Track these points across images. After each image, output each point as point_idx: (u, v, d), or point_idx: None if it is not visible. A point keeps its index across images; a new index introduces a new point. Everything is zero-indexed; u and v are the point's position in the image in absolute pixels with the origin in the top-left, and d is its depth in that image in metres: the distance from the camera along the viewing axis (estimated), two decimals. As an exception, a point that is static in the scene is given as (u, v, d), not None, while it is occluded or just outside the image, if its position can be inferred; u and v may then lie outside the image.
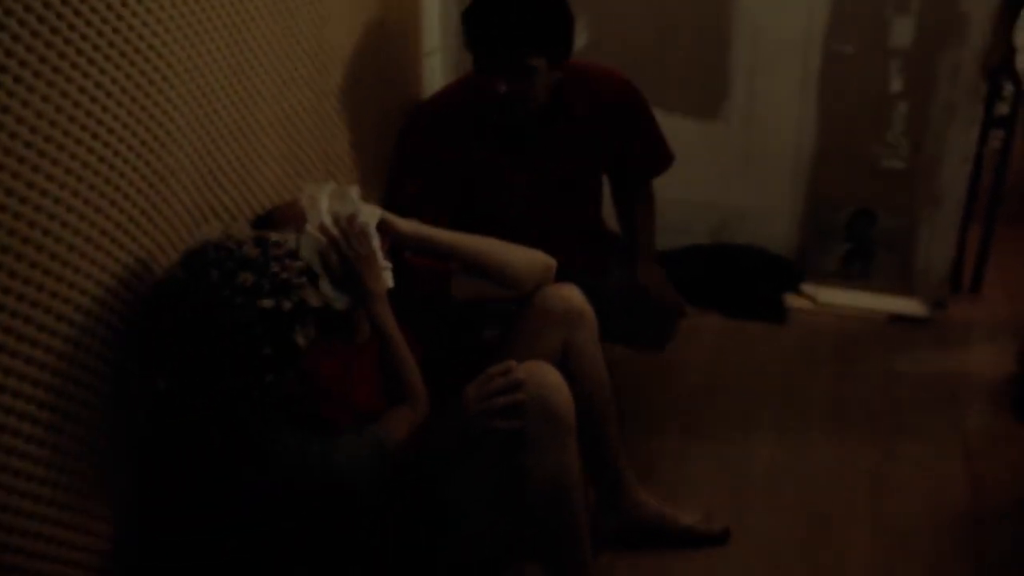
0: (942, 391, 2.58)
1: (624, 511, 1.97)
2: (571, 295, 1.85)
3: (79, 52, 1.16)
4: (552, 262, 1.86)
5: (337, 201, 1.56)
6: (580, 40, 2.55)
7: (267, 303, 1.31)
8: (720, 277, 3.11)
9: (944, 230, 2.96)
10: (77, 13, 1.15)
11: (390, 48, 2.15)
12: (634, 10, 2.98)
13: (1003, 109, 3.01)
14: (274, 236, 1.43)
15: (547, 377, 1.58)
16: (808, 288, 3.11)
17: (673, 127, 2.96)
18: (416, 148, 2.18)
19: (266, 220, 1.61)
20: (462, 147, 2.09)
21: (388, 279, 1.60)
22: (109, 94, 1.23)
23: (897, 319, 2.97)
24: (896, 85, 2.86)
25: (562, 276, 1.88)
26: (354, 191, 1.59)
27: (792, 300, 3.08)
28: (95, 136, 1.21)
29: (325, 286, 1.52)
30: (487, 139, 2.10)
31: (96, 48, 1.19)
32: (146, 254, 1.37)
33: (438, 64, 2.59)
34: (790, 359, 2.76)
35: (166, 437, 1.43)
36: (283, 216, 1.58)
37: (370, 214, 1.59)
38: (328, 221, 1.53)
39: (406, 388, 1.57)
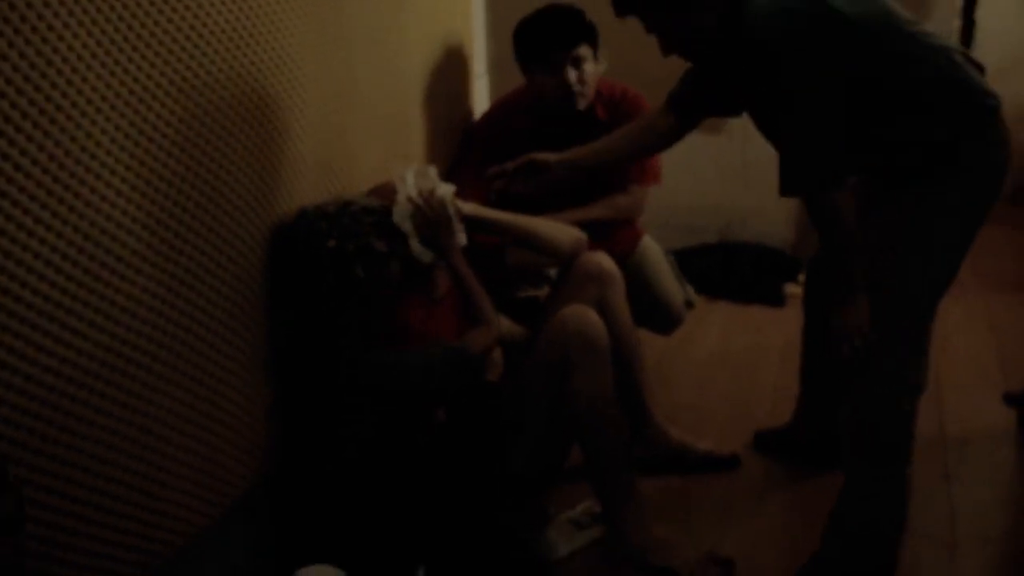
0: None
1: (650, 440, 2.39)
2: (604, 260, 2.29)
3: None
4: (583, 236, 2.30)
5: (420, 179, 2.01)
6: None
7: (331, 243, 1.78)
8: (727, 270, 3.56)
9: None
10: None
11: (451, 71, 2.63)
12: (643, 43, 3.44)
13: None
14: (359, 201, 1.89)
15: (588, 315, 2.02)
16: (803, 277, 3.54)
17: (684, 142, 3.43)
18: (480, 138, 2.65)
19: (369, 194, 2.08)
20: (518, 141, 2.47)
21: (462, 238, 2.04)
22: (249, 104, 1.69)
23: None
24: (872, 98, 3.33)
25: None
26: (432, 170, 2.04)
27: (790, 288, 3.51)
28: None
29: (414, 244, 1.97)
30: (538, 136, 2.50)
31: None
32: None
33: (484, 85, 3.09)
34: (788, 336, 3.17)
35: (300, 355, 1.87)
36: (380, 191, 2.04)
37: (446, 188, 2.05)
38: (414, 193, 1.99)
39: (481, 313, 2.01)
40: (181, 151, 1.49)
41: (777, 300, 3.45)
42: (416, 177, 2.00)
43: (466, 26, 2.63)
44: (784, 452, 2.46)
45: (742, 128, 3.51)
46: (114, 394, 1.38)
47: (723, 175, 3.61)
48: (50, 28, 1.23)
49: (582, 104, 2.53)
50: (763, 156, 3.52)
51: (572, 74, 2.47)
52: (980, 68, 1.85)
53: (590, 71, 2.50)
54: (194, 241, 1.54)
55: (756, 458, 2.46)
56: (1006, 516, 2.24)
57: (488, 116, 2.75)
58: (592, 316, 2.02)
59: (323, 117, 1.91)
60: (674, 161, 3.55)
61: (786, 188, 1.86)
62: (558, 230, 2.27)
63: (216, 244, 1.59)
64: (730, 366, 3.00)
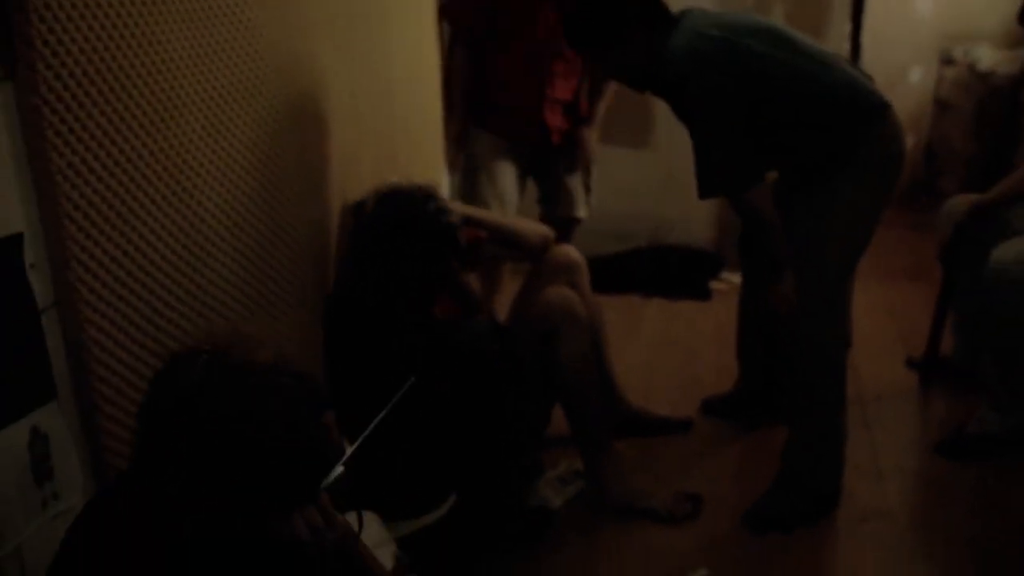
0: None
1: (615, 407, 2.72)
2: (571, 252, 2.62)
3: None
4: (550, 233, 2.63)
5: None
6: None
7: (442, 219, 2.08)
8: (659, 270, 3.94)
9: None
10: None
11: (424, 86, 2.93)
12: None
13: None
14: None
15: (569, 294, 2.34)
16: (726, 274, 3.96)
17: (615, 156, 3.84)
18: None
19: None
20: None
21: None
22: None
23: (795, 291, 3.83)
24: (778, 113, 3.77)
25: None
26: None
27: (715, 284, 3.92)
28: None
29: None
30: None
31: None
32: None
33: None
34: (718, 323, 3.57)
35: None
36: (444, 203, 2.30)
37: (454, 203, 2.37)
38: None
39: (469, 297, 2.33)
40: (249, 147, 1.75)
41: (704, 294, 3.84)
42: None
43: (431, 48, 2.94)
44: (730, 414, 2.82)
45: (667, 142, 3.94)
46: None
47: (651, 185, 4.00)
48: (158, 41, 1.49)
49: None
50: (687, 167, 3.95)
51: None
52: (869, 78, 2.26)
53: None
54: (257, 225, 1.80)
55: (706, 421, 2.82)
56: (918, 450, 2.66)
57: None
58: (572, 295, 2.35)
59: (341, 123, 2.19)
60: (605, 173, 3.94)
61: (702, 193, 2.23)
62: (530, 227, 2.59)
63: (274, 228, 1.85)
64: (671, 352, 3.36)
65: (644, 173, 3.99)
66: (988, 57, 4.51)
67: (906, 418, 2.85)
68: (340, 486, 1.14)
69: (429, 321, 2.17)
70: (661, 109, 3.87)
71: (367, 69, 2.37)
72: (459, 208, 2.40)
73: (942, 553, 2.18)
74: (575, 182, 3.22)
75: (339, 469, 1.12)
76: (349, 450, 1.15)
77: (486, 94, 3.03)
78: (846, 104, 2.14)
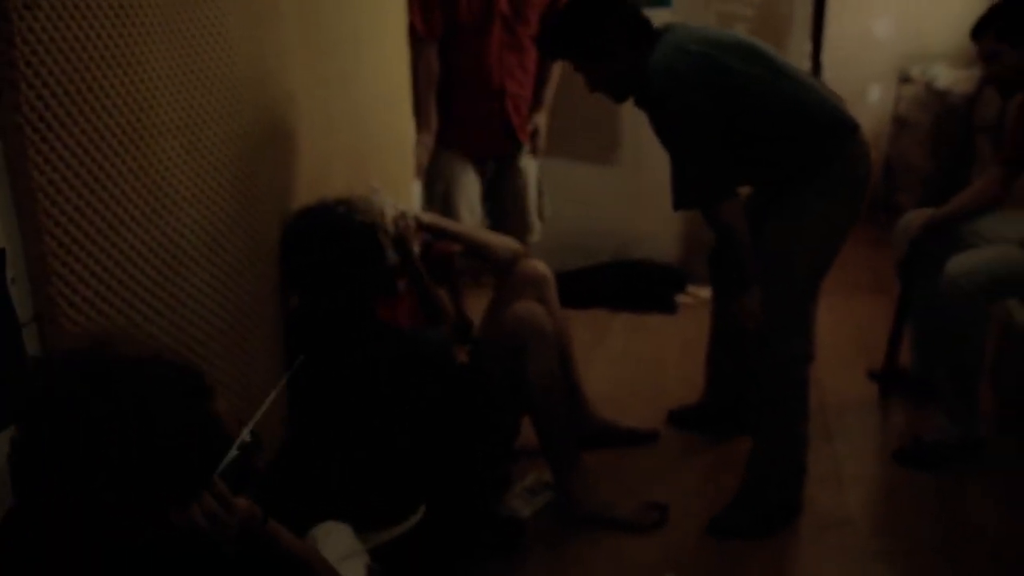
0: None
1: (584, 419, 2.76)
2: (539, 265, 2.66)
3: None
4: (519, 247, 2.68)
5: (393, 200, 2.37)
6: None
7: (360, 218, 2.11)
8: (625, 284, 4.00)
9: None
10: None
11: (393, 102, 2.96)
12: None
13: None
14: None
15: (536, 308, 2.39)
16: (691, 288, 4.02)
17: (580, 172, 3.91)
18: None
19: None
20: None
21: (417, 247, 2.40)
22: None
23: (759, 305, 3.90)
24: (741, 130, 3.86)
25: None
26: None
27: (681, 298, 3.98)
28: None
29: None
30: None
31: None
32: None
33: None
34: (684, 337, 3.64)
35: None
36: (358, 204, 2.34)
37: (409, 209, 2.41)
38: (394, 212, 2.33)
39: (437, 308, 2.36)
40: (226, 164, 1.78)
41: (670, 308, 3.91)
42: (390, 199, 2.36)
43: (402, 67, 2.98)
44: (696, 426, 2.88)
45: (633, 158, 4.02)
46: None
47: (617, 201, 4.07)
48: (137, 62, 1.52)
49: None
50: (652, 183, 4.04)
51: None
52: (840, 99, 2.34)
53: None
54: (233, 240, 1.82)
55: (673, 433, 2.87)
56: (878, 460, 2.72)
57: None
58: (540, 310, 2.40)
59: (312, 143, 2.22)
60: (571, 190, 4.02)
61: (677, 204, 2.30)
62: (500, 240, 2.64)
63: (249, 242, 1.88)
64: (637, 365, 3.42)
65: (610, 189, 4.06)
66: (944, 76, 4.63)
67: (866, 429, 2.92)
68: (241, 471, 1.15)
69: (382, 329, 2.20)
70: (627, 125, 3.95)
71: (340, 88, 2.41)
72: (428, 219, 2.46)
73: (903, 559, 2.25)
74: (529, 207, 3.32)
75: (233, 453, 1.13)
76: (243, 433, 1.16)
77: (449, 108, 3.11)
78: (818, 123, 2.22)
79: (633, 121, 3.93)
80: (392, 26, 2.85)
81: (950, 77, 4.64)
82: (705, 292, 3.97)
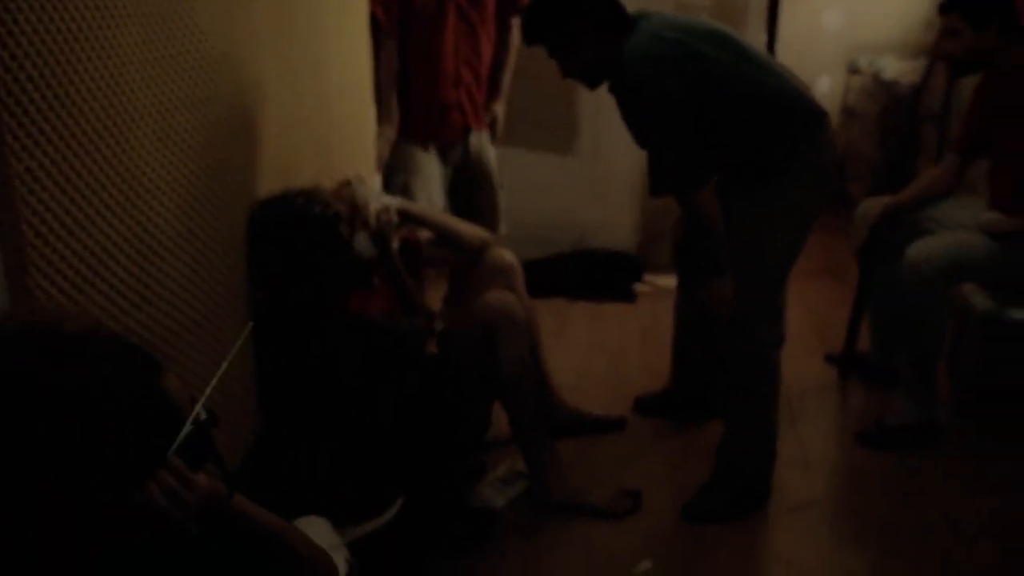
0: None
1: (552, 408, 2.77)
2: (507, 255, 2.66)
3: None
4: (488, 235, 2.67)
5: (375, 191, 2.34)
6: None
7: (319, 209, 2.07)
8: (583, 274, 4.02)
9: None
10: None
11: (356, 94, 2.93)
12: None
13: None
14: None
15: (508, 297, 2.38)
16: (649, 277, 4.06)
17: (538, 162, 3.91)
18: None
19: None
20: None
21: (396, 241, 2.38)
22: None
23: (716, 293, 3.95)
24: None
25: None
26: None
27: (639, 286, 4.01)
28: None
29: (362, 240, 2.27)
30: None
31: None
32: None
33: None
34: (644, 325, 3.67)
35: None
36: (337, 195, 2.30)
37: (390, 200, 2.38)
38: (374, 205, 2.30)
39: (413, 300, 2.34)
40: (200, 153, 1.74)
41: (629, 297, 3.94)
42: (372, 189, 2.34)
43: (364, 57, 2.94)
44: (663, 412, 2.90)
45: (590, 148, 4.03)
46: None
47: (575, 191, 4.08)
48: (111, 47, 1.47)
49: None
50: (610, 173, 4.07)
51: None
52: (807, 88, 2.36)
53: None
54: (206, 229, 1.78)
55: (640, 420, 2.89)
56: (842, 442, 2.78)
57: None
58: (512, 298, 2.39)
59: (281, 132, 2.18)
60: (529, 180, 4.02)
61: (653, 191, 2.30)
62: (469, 228, 2.63)
63: (221, 232, 1.84)
64: (599, 353, 3.43)
65: (568, 179, 4.06)
66: (892, 67, 4.73)
67: (828, 412, 2.97)
68: (199, 448, 1.12)
69: (353, 320, 2.17)
70: (585, 115, 3.96)
71: (308, 77, 2.36)
72: (400, 204, 2.43)
73: (873, 541, 2.29)
74: (499, 199, 3.34)
75: (188, 428, 1.10)
76: (197, 408, 1.13)
77: (407, 98, 3.10)
78: (788, 110, 2.24)
79: (591, 111, 3.96)
80: (356, 15, 2.81)
81: (897, 68, 4.74)
82: (663, 280, 4.02)
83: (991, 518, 2.35)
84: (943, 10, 2.70)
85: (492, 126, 3.33)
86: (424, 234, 2.62)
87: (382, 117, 3.11)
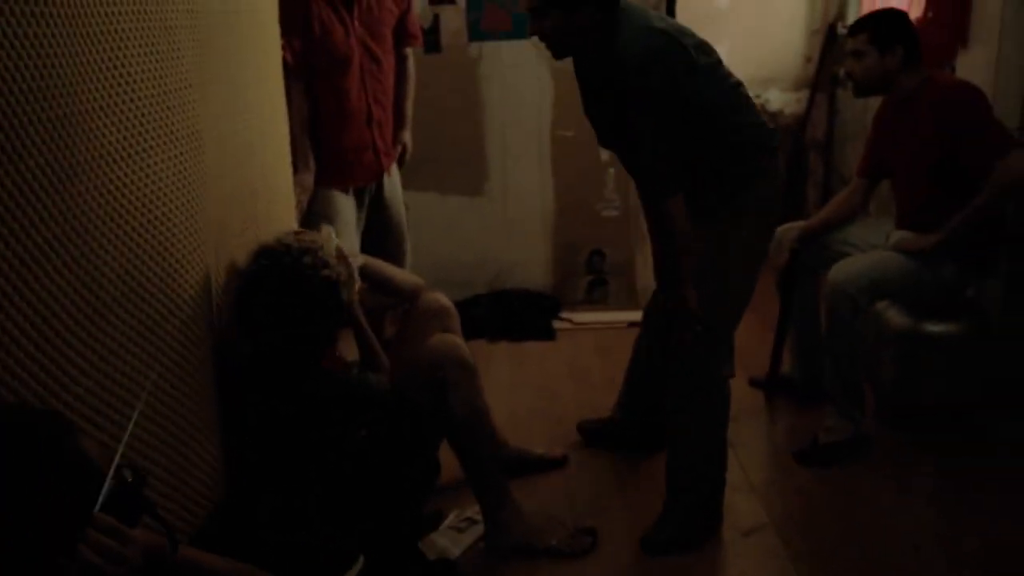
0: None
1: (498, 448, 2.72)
2: (442, 298, 2.63)
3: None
4: (421, 281, 2.63)
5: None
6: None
7: (326, 272, 2.05)
8: (502, 314, 4.00)
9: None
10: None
11: (280, 138, 2.85)
12: (415, 123, 3.76)
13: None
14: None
15: (455, 340, 2.35)
16: (566, 313, 4.07)
17: (450, 205, 3.90)
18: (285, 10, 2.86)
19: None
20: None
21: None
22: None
23: (632, 324, 3.98)
24: (605, 156, 3.95)
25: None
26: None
27: (557, 324, 4.02)
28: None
29: None
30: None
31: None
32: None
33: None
34: (568, 360, 3.67)
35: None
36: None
37: (363, 258, 2.36)
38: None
39: (375, 354, 2.28)
40: (137, 209, 1.65)
41: (549, 334, 3.93)
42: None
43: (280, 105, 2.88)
44: (607, 441, 2.88)
45: (501, 188, 4.04)
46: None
47: (488, 232, 4.07)
48: (52, 96, 1.39)
49: None
50: (521, 213, 4.09)
51: None
52: None
53: None
54: (157, 284, 1.70)
55: (583, 455, 2.87)
56: (781, 463, 2.83)
57: None
58: (460, 341, 2.36)
59: (213, 182, 2.09)
60: (443, 222, 4.00)
61: (650, 196, 2.26)
62: (403, 273, 2.59)
63: (172, 288, 1.75)
64: (528, 391, 3.41)
65: (481, 221, 4.06)
66: (777, 98, 4.92)
67: (761, 434, 3.03)
68: (129, 504, 1.13)
69: (327, 376, 2.11)
70: (494, 155, 3.98)
71: (234, 124, 2.28)
72: (362, 259, 2.40)
73: (827, 553, 2.33)
74: (401, 246, 3.31)
75: (108, 487, 1.09)
76: (114, 464, 1.12)
77: (320, 143, 3.07)
78: (753, 132, 2.26)
79: (499, 152, 3.98)
80: (272, 62, 2.74)
81: (782, 99, 4.95)
82: (580, 316, 4.05)
83: (931, 527, 2.42)
84: (851, 32, 2.83)
85: (402, 156, 3.31)
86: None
87: (298, 164, 3.03)
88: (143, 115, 1.70)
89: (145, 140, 1.70)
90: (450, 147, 3.95)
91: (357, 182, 3.14)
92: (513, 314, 4.00)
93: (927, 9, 3.31)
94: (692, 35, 2.20)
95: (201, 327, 1.90)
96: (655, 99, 2.09)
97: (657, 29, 2.12)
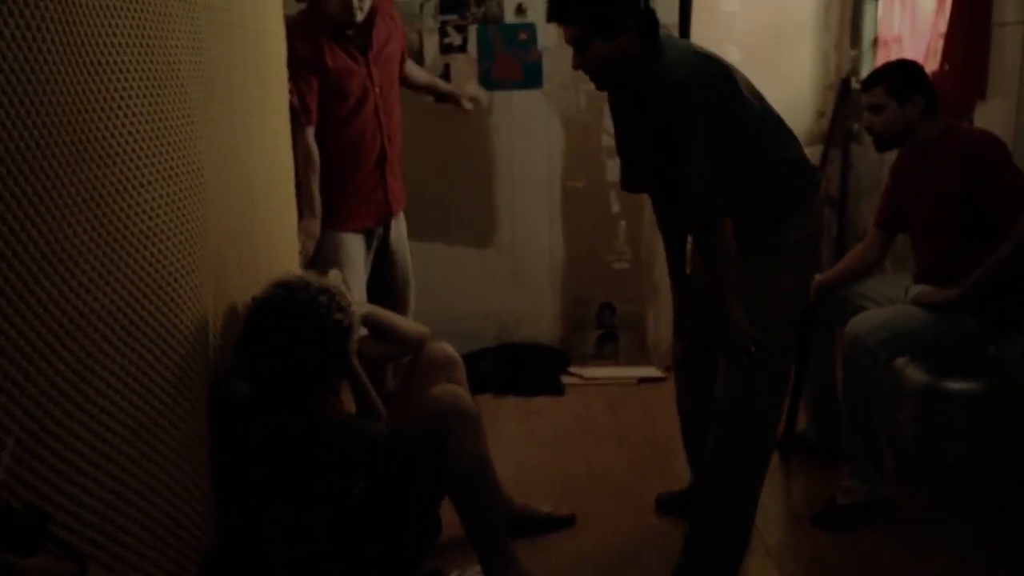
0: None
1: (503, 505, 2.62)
2: (447, 348, 2.55)
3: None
4: (427, 330, 2.56)
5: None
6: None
7: (338, 316, 2.00)
8: (509, 369, 3.91)
9: (665, 311, 3.95)
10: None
11: (285, 183, 2.81)
12: (423, 172, 3.78)
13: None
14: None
15: (459, 391, 2.26)
16: (575, 368, 3.98)
17: (457, 255, 3.84)
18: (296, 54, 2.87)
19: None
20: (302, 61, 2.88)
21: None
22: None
23: (644, 380, 3.89)
24: (616, 208, 3.90)
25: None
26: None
27: (566, 379, 3.92)
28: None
29: None
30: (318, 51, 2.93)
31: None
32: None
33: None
34: (578, 416, 3.57)
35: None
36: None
37: (368, 307, 2.33)
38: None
39: (373, 405, 2.20)
40: (132, 245, 1.59)
41: (557, 389, 3.84)
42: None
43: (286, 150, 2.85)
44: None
45: (509, 239, 3.98)
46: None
47: (496, 283, 4.00)
48: (43, 127, 1.33)
49: (359, 17, 2.93)
50: (530, 265, 4.02)
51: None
52: None
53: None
54: (151, 323, 1.63)
55: (591, 514, 2.76)
56: (797, 525, 2.70)
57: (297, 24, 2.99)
58: (463, 392, 2.27)
59: (213, 221, 2.04)
60: (450, 273, 3.94)
61: (693, 222, 2.23)
62: (408, 323, 2.52)
63: (165, 326, 1.68)
64: (537, 447, 3.31)
65: (489, 272, 4.00)
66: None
67: (777, 496, 2.91)
68: (24, 536, 1.11)
69: (328, 424, 2.04)
70: (503, 205, 3.93)
71: (236, 166, 2.24)
72: (365, 309, 2.34)
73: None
74: (405, 292, 3.30)
75: None
76: None
77: (332, 187, 3.04)
78: (796, 167, 2.25)
79: (508, 202, 3.93)
80: (278, 104, 2.71)
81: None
82: (590, 371, 3.96)
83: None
84: (866, 86, 2.78)
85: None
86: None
87: (304, 210, 2.99)
88: (143, 149, 1.65)
89: (142, 175, 1.65)
90: (459, 197, 3.90)
91: (367, 224, 3.12)
92: (521, 368, 3.91)
93: (943, 62, 3.27)
94: (737, 71, 2.21)
95: (196, 369, 1.84)
96: (705, 118, 2.07)
97: (702, 53, 2.15)
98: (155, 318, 1.65)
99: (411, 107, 3.67)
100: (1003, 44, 2.94)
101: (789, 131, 2.29)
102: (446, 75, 3.77)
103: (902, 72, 2.76)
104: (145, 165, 1.65)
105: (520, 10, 3.71)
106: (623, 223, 3.92)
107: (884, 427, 2.79)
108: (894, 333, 2.63)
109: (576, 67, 2.21)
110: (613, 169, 3.87)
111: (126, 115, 1.59)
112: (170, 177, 1.76)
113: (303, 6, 3.07)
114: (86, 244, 1.44)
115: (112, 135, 1.54)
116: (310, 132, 2.98)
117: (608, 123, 3.78)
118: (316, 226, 2.99)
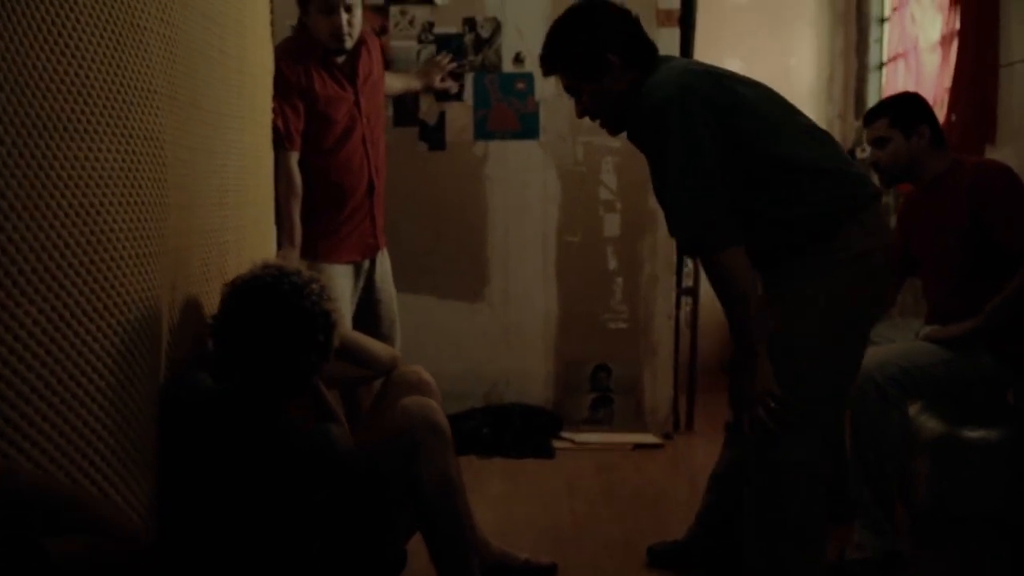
0: (680, 493, 3.27)
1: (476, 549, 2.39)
2: (420, 371, 2.38)
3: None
4: (398, 353, 2.41)
5: None
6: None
7: (328, 305, 1.90)
8: (498, 430, 3.70)
9: (664, 374, 3.79)
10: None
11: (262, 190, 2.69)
12: (414, 222, 3.72)
13: (688, 281, 3.99)
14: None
15: (430, 404, 2.07)
16: (567, 432, 3.76)
17: (446, 309, 3.70)
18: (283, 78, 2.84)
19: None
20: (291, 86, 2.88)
21: None
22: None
23: (640, 447, 3.68)
24: (613, 264, 3.77)
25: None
26: None
27: (556, 443, 3.70)
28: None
29: None
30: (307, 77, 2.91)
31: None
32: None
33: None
34: (568, 480, 3.34)
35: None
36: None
37: None
38: None
39: (329, 406, 2.02)
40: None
41: (547, 453, 3.62)
42: None
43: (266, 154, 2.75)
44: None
45: (501, 294, 3.83)
46: None
47: (486, 340, 3.83)
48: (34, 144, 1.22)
49: (349, 44, 2.91)
50: (522, 322, 3.85)
51: (344, 17, 2.86)
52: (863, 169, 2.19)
53: (359, 17, 2.92)
54: (125, 324, 1.52)
55: (574, 564, 2.52)
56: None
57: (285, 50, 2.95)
58: (433, 403, 2.09)
59: (206, 212, 1.94)
60: (438, 328, 3.77)
61: (683, 246, 2.11)
62: (379, 345, 2.37)
63: (118, 322, 1.54)
64: (523, 503, 3.07)
65: (479, 328, 3.83)
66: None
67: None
68: None
69: (291, 427, 1.87)
70: (495, 259, 3.79)
71: (205, 168, 2.13)
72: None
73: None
74: (391, 326, 3.22)
75: None
76: None
77: (317, 218, 2.96)
78: (834, 185, 1.97)
79: (501, 256, 3.80)
80: (261, 116, 2.62)
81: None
82: (583, 436, 3.75)
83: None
84: (868, 121, 2.67)
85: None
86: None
87: (283, 239, 2.88)
88: (98, 120, 1.52)
89: (95, 146, 1.52)
90: (450, 248, 3.77)
91: (354, 257, 3.07)
92: (510, 430, 3.70)
93: (950, 112, 3.19)
94: (753, 83, 2.03)
95: (144, 364, 1.67)
96: (691, 134, 1.89)
97: (693, 69, 1.99)
98: (99, 312, 1.50)
99: (403, 154, 3.62)
100: (1011, 83, 2.85)
101: (833, 142, 2.08)
102: (441, 123, 3.70)
103: (906, 103, 2.67)
104: (100, 137, 1.52)
105: (518, 59, 3.66)
106: (620, 280, 3.77)
107: (895, 475, 2.57)
108: (905, 368, 2.44)
109: (579, 115, 2.14)
110: (610, 223, 3.76)
111: (80, 91, 1.46)
112: (124, 152, 1.63)
113: (290, 32, 3.05)
114: (76, 254, 1.38)
115: (69, 114, 1.43)
116: (293, 158, 2.91)
117: (607, 176, 3.71)
118: (294, 256, 2.87)
